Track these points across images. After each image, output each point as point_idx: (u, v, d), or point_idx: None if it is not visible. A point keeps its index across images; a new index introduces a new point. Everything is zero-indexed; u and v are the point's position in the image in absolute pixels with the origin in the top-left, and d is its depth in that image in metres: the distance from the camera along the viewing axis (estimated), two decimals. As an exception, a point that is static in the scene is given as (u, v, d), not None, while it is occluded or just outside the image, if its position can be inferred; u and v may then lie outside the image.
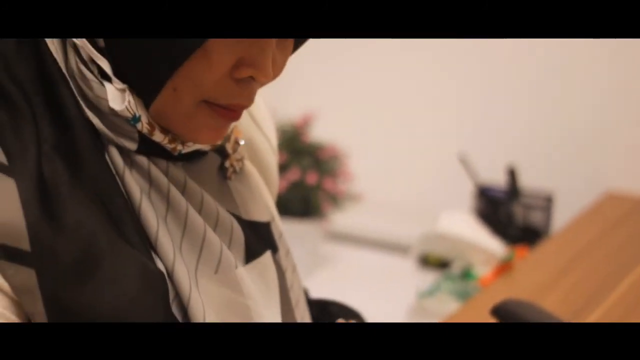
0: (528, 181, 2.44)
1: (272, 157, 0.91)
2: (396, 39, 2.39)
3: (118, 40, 0.69)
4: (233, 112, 0.72)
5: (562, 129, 2.49)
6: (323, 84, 2.67)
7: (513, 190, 2.41)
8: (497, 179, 2.44)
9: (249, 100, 0.72)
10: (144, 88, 0.70)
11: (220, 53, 0.68)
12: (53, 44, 0.71)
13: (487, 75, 2.54)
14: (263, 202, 0.84)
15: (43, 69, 0.71)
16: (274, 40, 0.70)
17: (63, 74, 0.71)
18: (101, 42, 0.70)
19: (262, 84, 0.72)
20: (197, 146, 0.75)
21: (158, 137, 0.72)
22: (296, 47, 0.75)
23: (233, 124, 0.76)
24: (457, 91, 2.57)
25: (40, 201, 0.66)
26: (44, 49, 0.71)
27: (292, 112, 2.44)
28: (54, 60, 0.71)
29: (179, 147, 0.73)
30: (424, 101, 2.57)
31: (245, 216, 0.79)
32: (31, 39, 0.71)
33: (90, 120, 0.71)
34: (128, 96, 0.70)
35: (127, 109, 0.70)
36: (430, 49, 2.50)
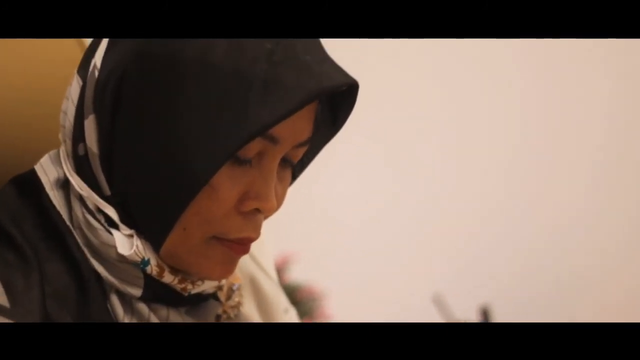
0: (503, 317, 2.33)
1: (275, 294, 0.93)
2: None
3: (125, 187, 0.73)
4: (244, 246, 0.76)
5: (537, 270, 2.37)
6: (300, 227, 2.77)
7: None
8: (471, 319, 2.35)
9: (256, 232, 0.76)
10: (154, 231, 0.73)
11: (227, 188, 0.72)
12: (56, 198, 0.76)
13: (460, 214, 2.48)
14: None
15: (47, 219, 0.75)
16: (275, 171, 0.75)
17: (67, 226, 0.75)
18: (107, 190, 0.74)
19: (267, 216, 0.76)
20: (206, 285, 0.77)
21: (168, 278, 0.75)
22: (294, 177, 0.81)
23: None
24: (431, 233, 2.53)
25: None
26: (47, 203, 0.75)
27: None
28: (57, 212, 0.75)
29: (189, 286, 0.76)
30: (398, 243, 2.57)
31: None
32: (33, 191, 0.76)
33: (95, 270, 0.74)
34: (136, 241, 0.73)
35: (136, 254, 0.73)
36: (407, 187, 2.52)
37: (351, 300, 2.69)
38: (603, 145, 2.33)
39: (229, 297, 0.82)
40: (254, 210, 0.74)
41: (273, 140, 0.73)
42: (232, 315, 0.81)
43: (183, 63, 0.69)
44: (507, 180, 2.43)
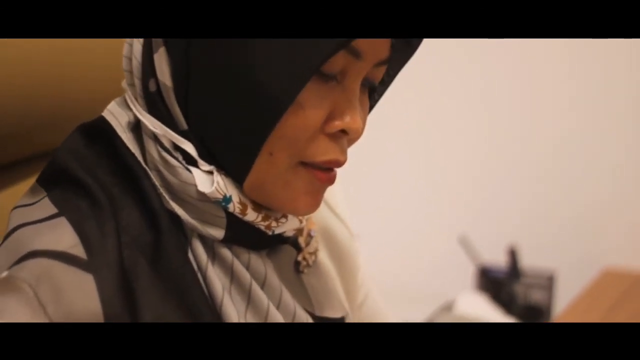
0: (529, 261, 2.38)
1: (350, 242, 0.92)
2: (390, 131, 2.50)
3: (204, 118, 0.69)
4: (330, 173, 0.72)
5: (561, 208, 2.41)
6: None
7: (514, 270, 2.36)
8: (498, 259, 2.41)
9: (344, 155, 0.72)
10: (237, 161, 0.69)
11: (313, 105, 0.68)
12: (129, 140, 0.72)
13: (484, 156, 2.52)
14: (336, 297, 0.82)
15: (121, 163, 0.72)
16: (358, 91, 0.72)
17: (143, 167, 0.71)
18: (183, 125, 0.71)
19: (352, 139, 0.73)
20: (290, 224, 0.74)
21: (251, 215, 0.71)
22: (373, 103, 0.78)
23: (307, 216, 0.77)
24: (456, 173, 2.57)
25: (120, 296, 0.66)
26: (118, 144, 0.72)
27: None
28: (132, 154, 0.72)
29: (273, 224, 0.73)
30: (423, 184, 2.61)
31: (319, 313, 0.78)
32: (103, 137, 0.73)
33: (173, 214, 0.70)
34: (216, 177, 0.69)
35: (217, 190, 0.69)
36: (428, 131, 2.56)
37: (379, 245, 2.75)
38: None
39: (307, 243, 0.79)
40: (339, 132, 0.71)
41: (356, 54, 0.69)
42: (310, 261, 0.79)
43: None
44: (528, 124, 2.45)
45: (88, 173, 0.70)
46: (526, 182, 2.50)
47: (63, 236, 0.67)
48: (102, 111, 0.76)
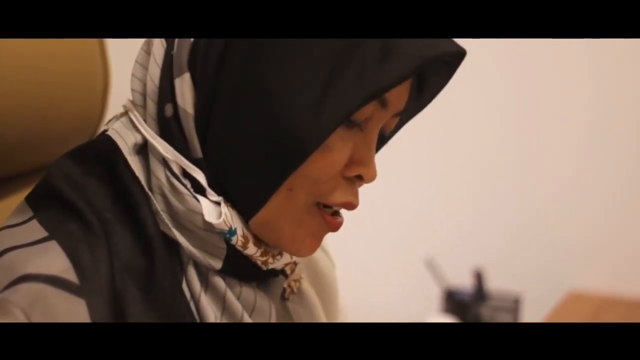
0: (495, 283, 2.39)
1: (331, 269, 0.93)
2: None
3: (221, 150, 0.70)
4: (339, 219, 0.74)
5: (527, 231, 2.44)
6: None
7: (480, 293, 2.37)
8: (464, 282, 2.41)
9: (357, 199, 0.75)
10: (253, 195, 0.70)
11: (340, 149, 0.70)
12: (134, 163, 0.72)
13: (449, 180, 2.53)
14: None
15: (120, 187, 0.71)
16: (376, 138, 0.74)
17: (145, 192, 0.71)
18: (198, 153, 0.71)
19: (366, 183, 0.75)
20: (284, 260, 0.75)
21: (251, 250, 0.72)
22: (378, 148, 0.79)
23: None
24: (421, 196, 2.58)
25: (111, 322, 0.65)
26: (121, 166, 0.71)
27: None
28: (135, 177, 0.71)
29: (270, 260, 0.73)
30: (389, 208, 2.62)
31: None
32: (103, 162, 0.72)
33: (169, 239, 0.70)
34: (224, 209, 0.69)
35: (225, 222, 0.69)
36: (396, 154, 2.56)
37: (346, 269, 2.74)
38: (592, 106, 2.38)
39: (292, 271, 0.80)
40: (355, 177, 0.73)
41: (384, 104, 0.72)
42: (295, 288, 0.80)
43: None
44: (500, 147, 2.46)
45: (80, 196, 0.70)
46: (492, 206, 2.52)
47: (55, 260, 0.66)
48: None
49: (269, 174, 0.68)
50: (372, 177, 0.73)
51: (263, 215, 0.70)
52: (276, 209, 0.70)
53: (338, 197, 0.72)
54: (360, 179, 0.73)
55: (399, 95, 0.73)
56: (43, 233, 0.68)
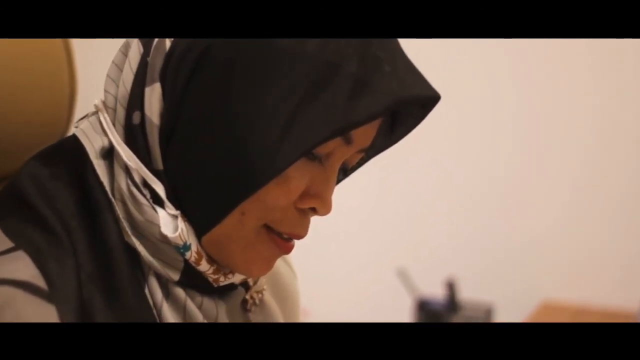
0: (467, 293, 2.37)
1: (293, 281, 0.93)
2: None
3: (182, 164, 0.70)
4: (290, 242, 0.74)
5: (499, 241, 2.43)
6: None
7: (452, 303, 2.35)
8: (436, 292, 2.39)
9: (305, 231, 0.75)
10: (206, 215, 0.70)
11: (297, 180, 0.70)
12: (100, 167, 0.71)
13: (422, 188, 2.52)
14: None
15: (84, 193, 0.71)
16: (337, 173, 0.74)
17: (109, 198, 0.71)
18: (159, 164, 0.71)
19: (320, 215, 0.75)
20: (237, 278, 0.75)
21: (204, 267, 0.72)
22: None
23: None
24: (394, 205, 2.57)
25: None
26: (87, 171, 0.71)
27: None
28: (100, 183, 0.71)
29: (221, 278, 0.74)
30: (360, 217, 2.60)
31: None
32: (71, 164, 0.72)
33: (132, 248, 0.70)
34: (180, 223, 0.70)
35: (180, 236, 0.70)
36: (368, 164, 2.55)
37: (316, 280, 2.72)
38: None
39: (255, 282, 0.80)
40: (309, 209, 0.73)
41: (348, 140, 0.72)
42: (257, 300, 0.80)
43: (276, 48, 0.68)
44: (474, 159, 2.46)
45: (46, 202, 0.70)
46: (464, 215, 2.51)
47: (25, 267, 0.67)
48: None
49: (225, 196, 0.68)
50: (326, 211, 0.73)
51: (215, 234, 0.70)
52: (228, 230, 0.70)
53: (287, 226, 0.72)
54: (313, 211, 0.73)
55: (365, 133, 0.73)
56: (9, 243, 0.69)
